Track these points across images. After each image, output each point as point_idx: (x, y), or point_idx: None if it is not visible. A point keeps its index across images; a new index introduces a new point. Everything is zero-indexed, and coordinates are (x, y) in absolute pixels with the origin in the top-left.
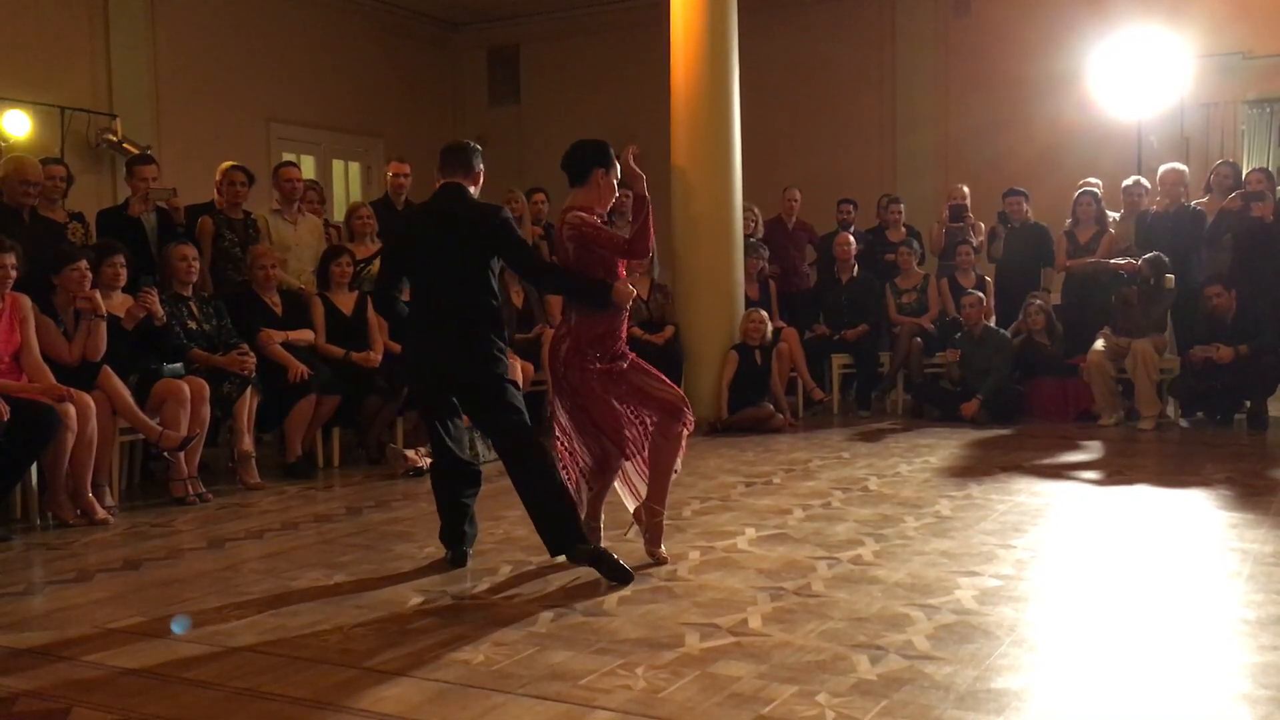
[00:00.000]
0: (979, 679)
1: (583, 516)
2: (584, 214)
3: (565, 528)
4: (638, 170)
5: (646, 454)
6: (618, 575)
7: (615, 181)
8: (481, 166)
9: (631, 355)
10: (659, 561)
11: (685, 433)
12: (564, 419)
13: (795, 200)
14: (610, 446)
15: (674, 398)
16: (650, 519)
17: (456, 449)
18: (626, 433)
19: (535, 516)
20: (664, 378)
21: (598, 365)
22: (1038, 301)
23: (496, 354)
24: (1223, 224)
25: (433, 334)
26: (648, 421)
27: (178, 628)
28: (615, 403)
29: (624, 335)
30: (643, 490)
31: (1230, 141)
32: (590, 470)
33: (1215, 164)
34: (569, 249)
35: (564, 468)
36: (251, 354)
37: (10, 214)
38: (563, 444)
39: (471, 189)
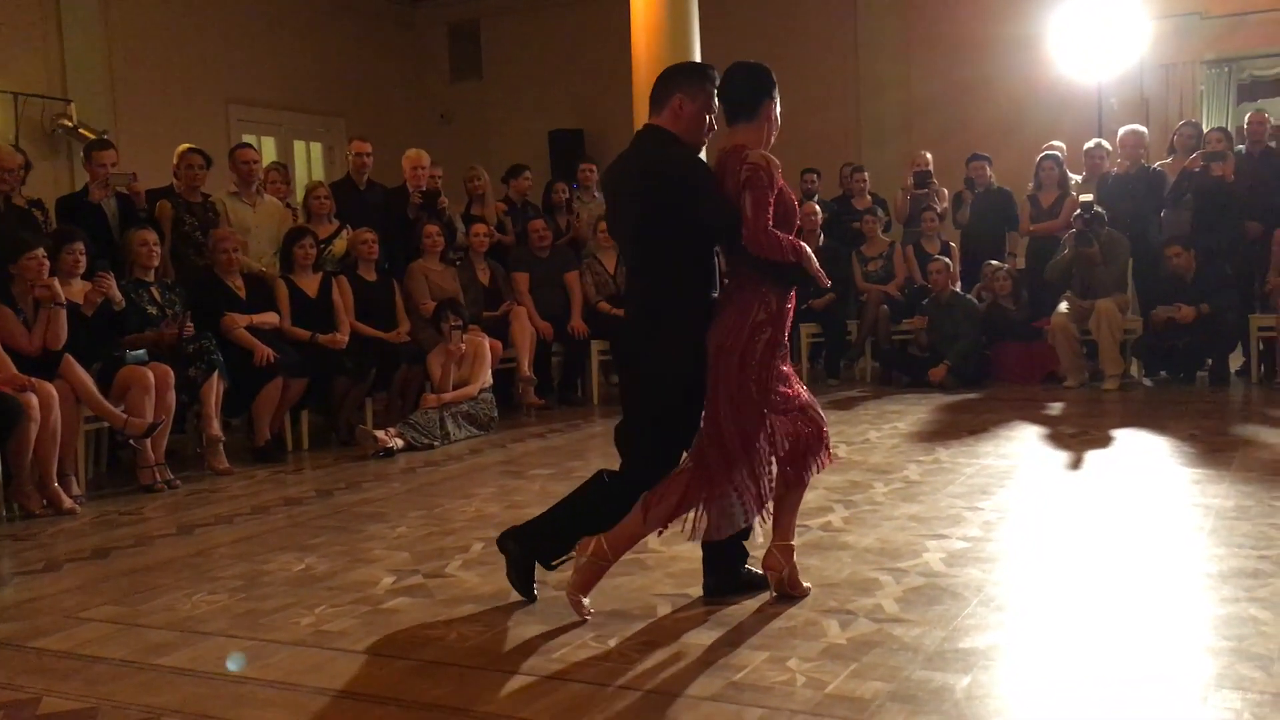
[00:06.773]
0: (946, 640)
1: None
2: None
3: (552, 547)
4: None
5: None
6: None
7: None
8: (683, 94)
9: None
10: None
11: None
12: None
13: None
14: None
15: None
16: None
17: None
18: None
19: (551, 517)
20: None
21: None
22: (1004, 267)
23: (661, 348)
24: (1184, 184)
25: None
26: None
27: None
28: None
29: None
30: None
31: (1189, 102)
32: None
33: (1178, 125)
34: (746, 197)
35: (740, 510)
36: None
37: None
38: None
39: (670, 127)
